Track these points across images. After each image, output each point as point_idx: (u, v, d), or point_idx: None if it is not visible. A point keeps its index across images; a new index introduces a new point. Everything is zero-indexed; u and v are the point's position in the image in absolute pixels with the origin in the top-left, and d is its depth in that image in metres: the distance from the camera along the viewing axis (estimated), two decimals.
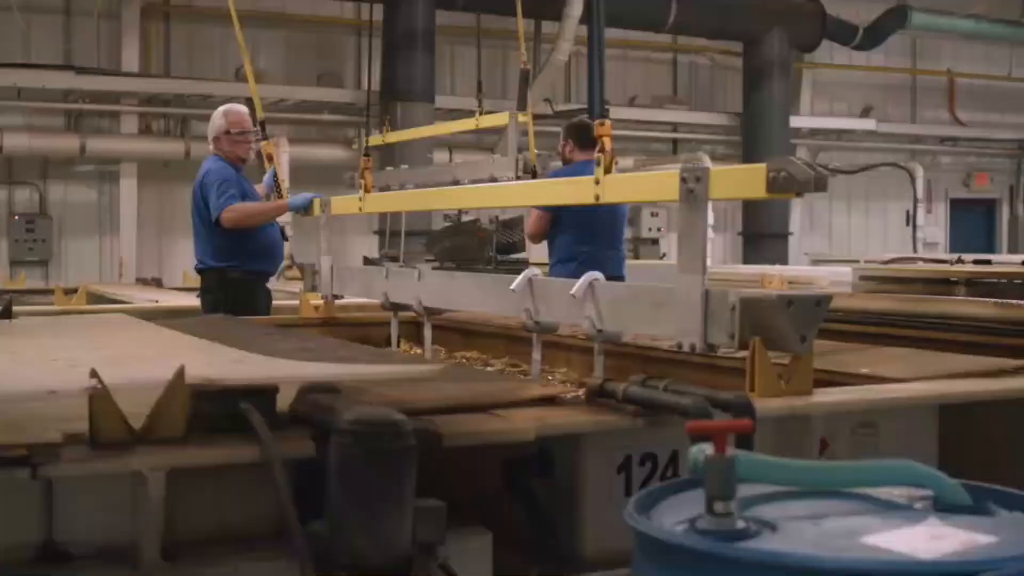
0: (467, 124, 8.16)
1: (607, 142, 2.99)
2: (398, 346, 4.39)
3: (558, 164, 6.33)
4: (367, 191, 4.95)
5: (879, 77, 17.38)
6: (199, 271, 5.69)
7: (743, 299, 2.30)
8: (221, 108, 5.82)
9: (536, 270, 3.20)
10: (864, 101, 17.22)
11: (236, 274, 5.49)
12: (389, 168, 6.50)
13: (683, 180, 2.47)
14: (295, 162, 11.38)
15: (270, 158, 6.45)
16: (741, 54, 15.19)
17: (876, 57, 16.80)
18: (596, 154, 2.98)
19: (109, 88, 12.16)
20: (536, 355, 3.29)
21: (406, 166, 6.75)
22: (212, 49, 13.03)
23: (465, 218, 11.09)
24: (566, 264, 5.64)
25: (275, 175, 6.07)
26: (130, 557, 1.85)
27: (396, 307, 4.18)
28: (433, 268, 6.67)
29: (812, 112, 16.48)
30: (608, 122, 3.05)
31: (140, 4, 12.49)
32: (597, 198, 3.01)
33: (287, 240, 6.00)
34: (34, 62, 11.88)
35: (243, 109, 5.81)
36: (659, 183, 2.73)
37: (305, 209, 5.30)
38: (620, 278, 6.04)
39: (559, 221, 5.85)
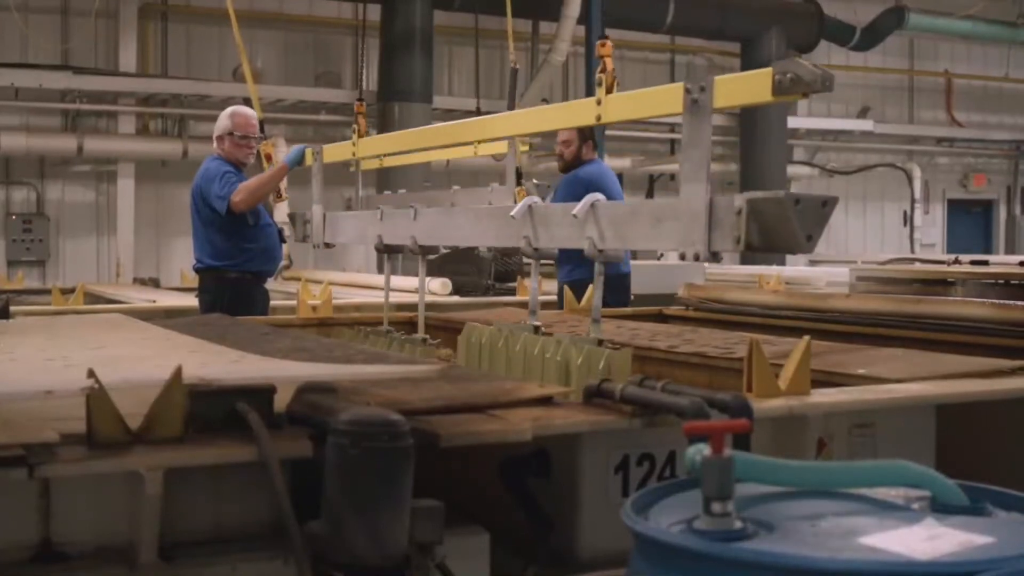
0: (465, 153, 8.08)
1: (608, 62, 2.97)
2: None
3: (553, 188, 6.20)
4: (361, 136, 4.87)
5: (876, 78, 17.39)
6: (197, 271, 5.69)
7: (750, 200, 2.28)
8: (229, 109, 5.83)
9: (536, 197, 3.17)
10: (862, 102, 17.23)
11: (234, 274, 5.49)
12: (386, 192, 6.48)
13: (687, 91, 2.45)
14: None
15: (268, 158, 6.46)
16: (739, 55, 15.20)
17: (873, 58, 16.81)
18: (598, 75, 2.94)
19: (106, 88, 12.15)
20: (534, 283, 3.30)
21: (404, 190, 6.72)
22: (210, 49, 13.03)
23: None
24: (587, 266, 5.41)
25: None
26: (127, 557, 1.85)
27: (390, 249, 4.09)
28: None
29: (809, 112, 16.48)
30: (608, 42, 3.03)
31: (137, 4, 12.48)
32: (598, 118, 2.96)
33: (285, 242, 5.99)
34: (31, 62, 11.88)
35: (251, 113, 5.82)
36: (663, 97, 2.67)
37: (300, 162, 5.30)
38: (626, 275, 6.06)
39: None
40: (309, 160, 4.99)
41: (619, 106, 2.92)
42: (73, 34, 12.46)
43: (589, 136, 5.99)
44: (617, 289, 5.77)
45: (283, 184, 6.22)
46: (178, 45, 13.00)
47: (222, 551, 1.90)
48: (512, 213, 3.07)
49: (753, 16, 14.58)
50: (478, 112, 12.18)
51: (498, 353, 3.37)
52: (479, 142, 5.40)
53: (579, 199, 4.27)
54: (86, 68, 12.16)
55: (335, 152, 4.92)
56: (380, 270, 7.51)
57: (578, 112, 3.25)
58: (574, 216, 2.83)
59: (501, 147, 7.57)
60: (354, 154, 4.76)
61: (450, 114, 13.11)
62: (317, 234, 4.62)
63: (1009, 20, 16.70)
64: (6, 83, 11.46)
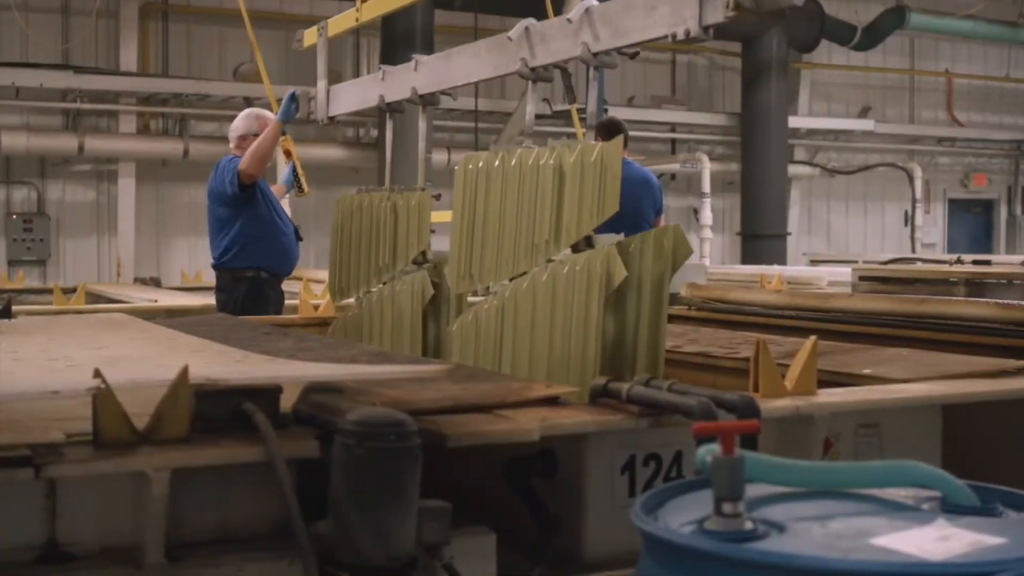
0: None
1: None
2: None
3: None
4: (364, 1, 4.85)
5: (877, 77, 17.38)
6: (214, 269, 5.73)
7: None
8: (249, 111, 5.89)
9: (532, 20, 3.18)
10: (862, 101, 17.23)
11: (250, 273, 5.52)
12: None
13: None
14: None
15: (288, 154, 6.46)
16: (739, 54, 15.19)
17: (874, 57, 16.80)
18: None
19: (107, 87, 12.15)
20: (531, 107, 3.30)
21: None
22: (210, 48, 13.01)
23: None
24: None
25: (294, 169, 6.11)
26: (133, 558, 1.85)
27: (391, 108, 4.12)
28: None
29: (810, 112, 16.48)
30: None
31: (138, 3, 12.48)
32: None
33: (301, 240, 5.98)
34: (32, 61, 11.88)
35: (272, 116, 5.88)
36: None
37: (293, 114, 5.38)
38: None
39: None
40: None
41: None
42: (74, 33, 12.46)
43: (599, 133, 6.00)
44: None
45: (304, 179, 6.23)
46: (179, 44, 12.99)
47: (228, 551, 1.90)
48: (509, 34, 3.09)
49: None
50: (477, 112, 12.18)
51: (495, 175, 3.22)
52: None
53: None
54: (87, 67, 12.16)
55: (339, 24, 4.93)
56: None
57: None
58: (568, 21, 2.82)
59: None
60: (357, 19, 4.76)
61: (450, 113, 13.11)
62: (321, 109, 4.65)
63: (1009, 20, 16.68)
64: (7, 82, 11.46)
